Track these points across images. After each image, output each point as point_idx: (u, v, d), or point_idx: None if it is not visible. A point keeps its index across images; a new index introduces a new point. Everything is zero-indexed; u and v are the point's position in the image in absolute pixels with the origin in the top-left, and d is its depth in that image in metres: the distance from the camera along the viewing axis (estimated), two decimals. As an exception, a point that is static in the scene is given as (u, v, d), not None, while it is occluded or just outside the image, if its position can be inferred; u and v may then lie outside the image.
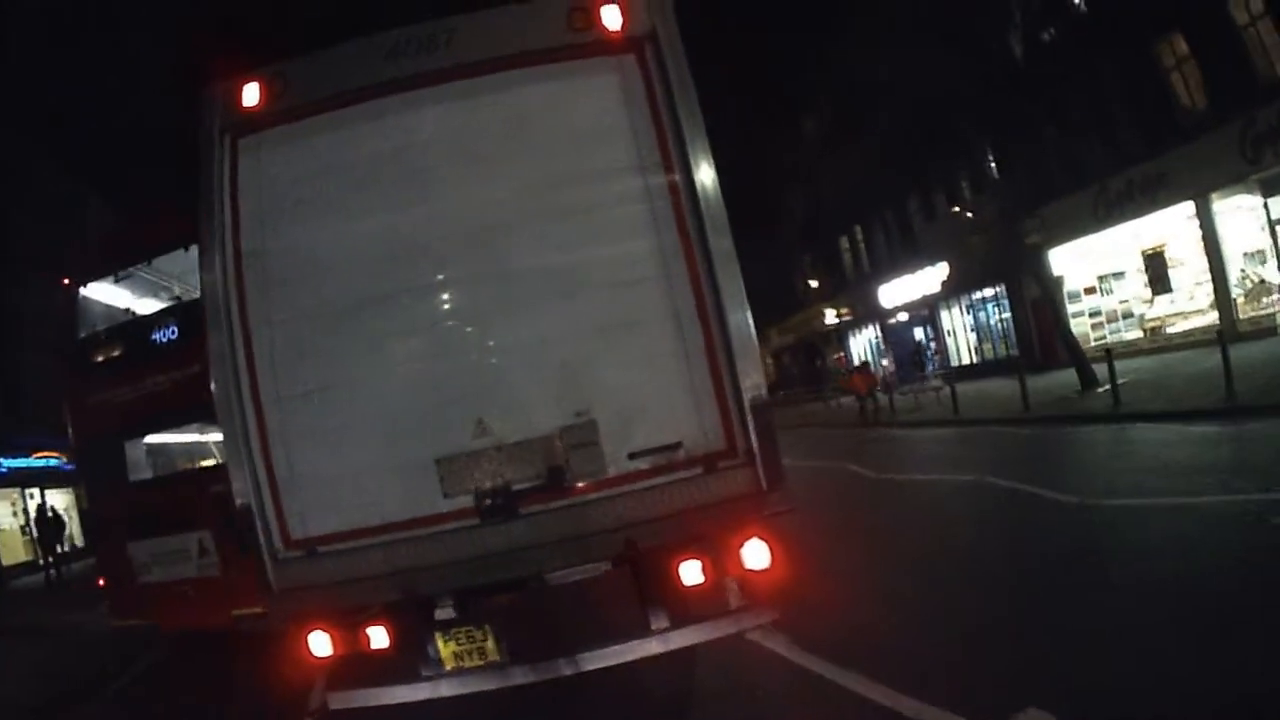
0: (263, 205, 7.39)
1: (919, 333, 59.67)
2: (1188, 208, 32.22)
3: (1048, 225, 33.26)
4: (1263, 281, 30.75)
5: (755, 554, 6.90)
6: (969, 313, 52.11)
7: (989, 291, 48.63)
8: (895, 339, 62.77)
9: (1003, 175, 38.78)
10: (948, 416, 31.72)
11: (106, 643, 16.59)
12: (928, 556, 12.07)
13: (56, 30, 47.25)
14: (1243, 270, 31.30)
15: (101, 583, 14.39)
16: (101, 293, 15.07)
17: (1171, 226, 33.96)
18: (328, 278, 7.24)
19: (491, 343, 7.18)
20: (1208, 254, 31.95)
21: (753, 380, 6.89)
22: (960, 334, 52.69)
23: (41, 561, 39.20)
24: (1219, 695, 6.30)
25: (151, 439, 14.61)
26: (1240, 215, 30.98)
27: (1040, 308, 41.23)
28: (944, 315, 54.63)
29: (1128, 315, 38.60)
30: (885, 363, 60.57)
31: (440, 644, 7.02)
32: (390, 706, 7.19)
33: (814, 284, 75.44)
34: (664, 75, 7.17)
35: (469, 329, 7.23)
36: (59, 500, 47.02)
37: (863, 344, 69.50)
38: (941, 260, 50.80)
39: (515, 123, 7.26)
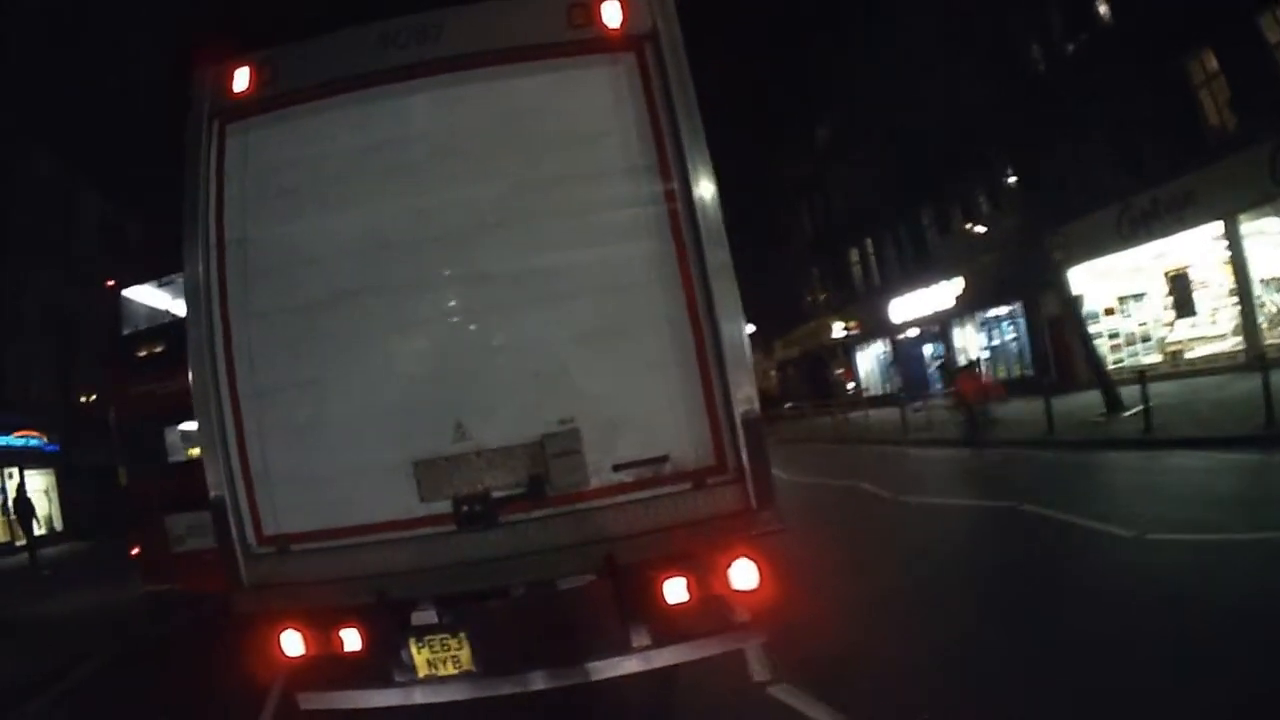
0: (247, 193, 7.29)
1: (929, 349, 58.93)
2: (1214, 228, 31.45)
3: (1068, 243, 32.28)
4: None
5: (743, 574, 6.75)
6: (983, 330, 51.41)
7: (1004, 309, 48.04)
8: (904, 355, 62.09)
9: (1022, 190, 37.74)
10: (965, 437, 30.46)
11: (67, 634, 17.41)
12: (959, 594, 11.23)
13: (54, 26, 47.06)
14: (1259, 297, 30.76)
15: (135, 552, 16.28)
16: (144, 295, 17.24)
17: (1197, 247, 33.27)
18: (308, 270, 7.14)
19: (474, 344, 7.09)
20: (1235, 277, 31.32)
21: (745, 393, 6.69)
22: (973, 352, 51.40)
23: (20, 543, 39.25)
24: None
25: (187, 425, 15.06)
26: (1266, 239, 30.32)
27: (1058, 327, 40.86)
28: (956, 332, 53.88)
29: (1146, 338, 37.91)
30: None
31: (414, 650, 6.89)
32: (362, 710, 7.18)
33: (822, 296, 75.04)
34: (664, 76, 7.01)
35: (451, 329, 7.15)
36: (38, 481, 47.47)
37: (871, 359, 69.05)
38: (956, 275, 50.23)
39: (507, 119, 7.14)
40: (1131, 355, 37.59)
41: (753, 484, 6.63)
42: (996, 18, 33.43)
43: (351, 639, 7.04)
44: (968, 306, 50.93)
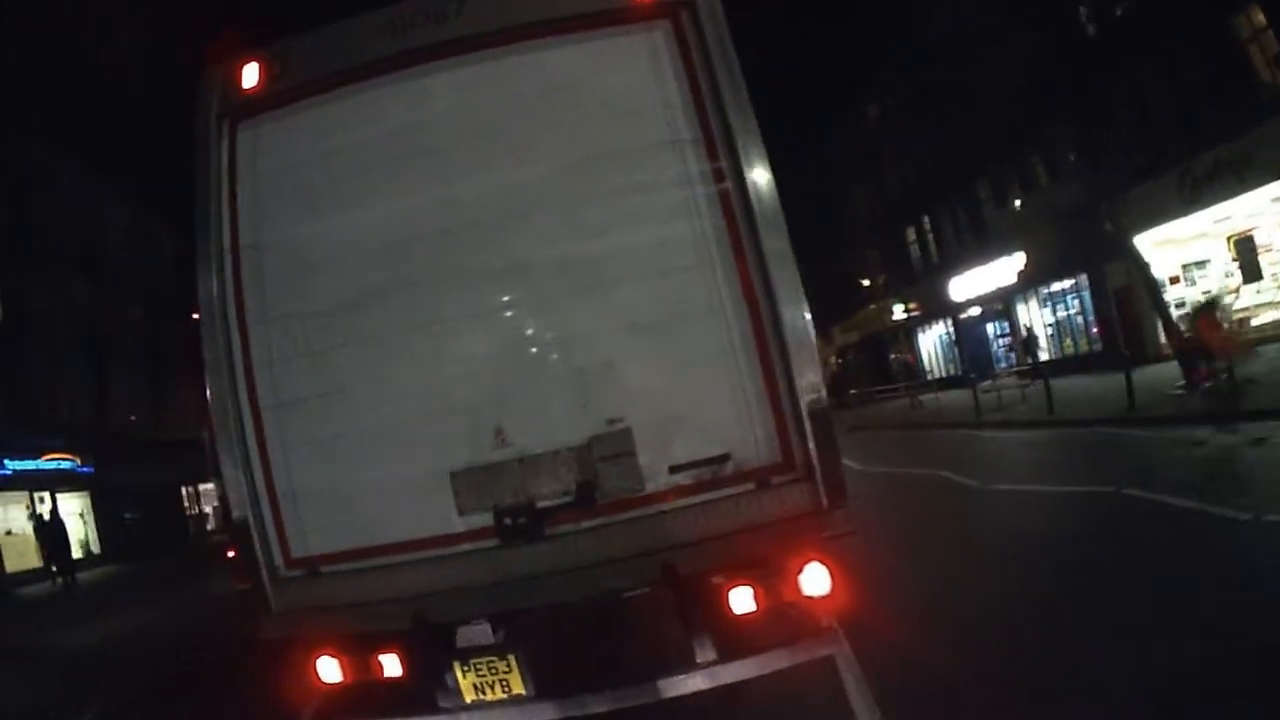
0: (261, 194, 6.96)
1: (991, 328, 58.59)
2: (1275, 189, 31.00)
3: (1129, 211, 31.84)
4: None
5: (814, 579, 6.27)
6: (1046, 305, 50.59)
7: (1068, 283, 47.24)
8: (967, 334, 61.59)
9: (1081, 159, 37.23)
10: (1040, 417, 30.02)
11: (77, 669, 17.18)
12: (1078, 598, 10.12)
13: (70, 29, 47.31)
14: None
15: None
16: None
17: (1260, 209, 32.80)
18: (329, 272, 6.75)
19: (512, 341, 6.60)
20: None
21: (811, 382, 6.22)
22: (1037, 328, 51.20)
23: (52, 568, 39.01)
24: None
25: None
26: None
27: (1125, 299, 40.33)
28: (1019, 308, 53.12)
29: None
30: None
31: (459, 674, 6.44)
32: None
33: (880, 278, 74.75)
34: (703, 44, 6.58)
35: (486, 326, 6.63)
36: (73, 504, 47.24)
37: (932, 340, 68.74)
38: (1016, 250, 49.65)
39: (535, 97, 6.69)
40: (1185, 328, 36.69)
41: (823, 481, 6.17)
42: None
43: (391, 664, 6.68)
44: (1030, 281, 50.16)
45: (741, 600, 6.32)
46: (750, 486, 6.27)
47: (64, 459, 46.62)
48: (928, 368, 67.93)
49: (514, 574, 6.29)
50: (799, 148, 66.49)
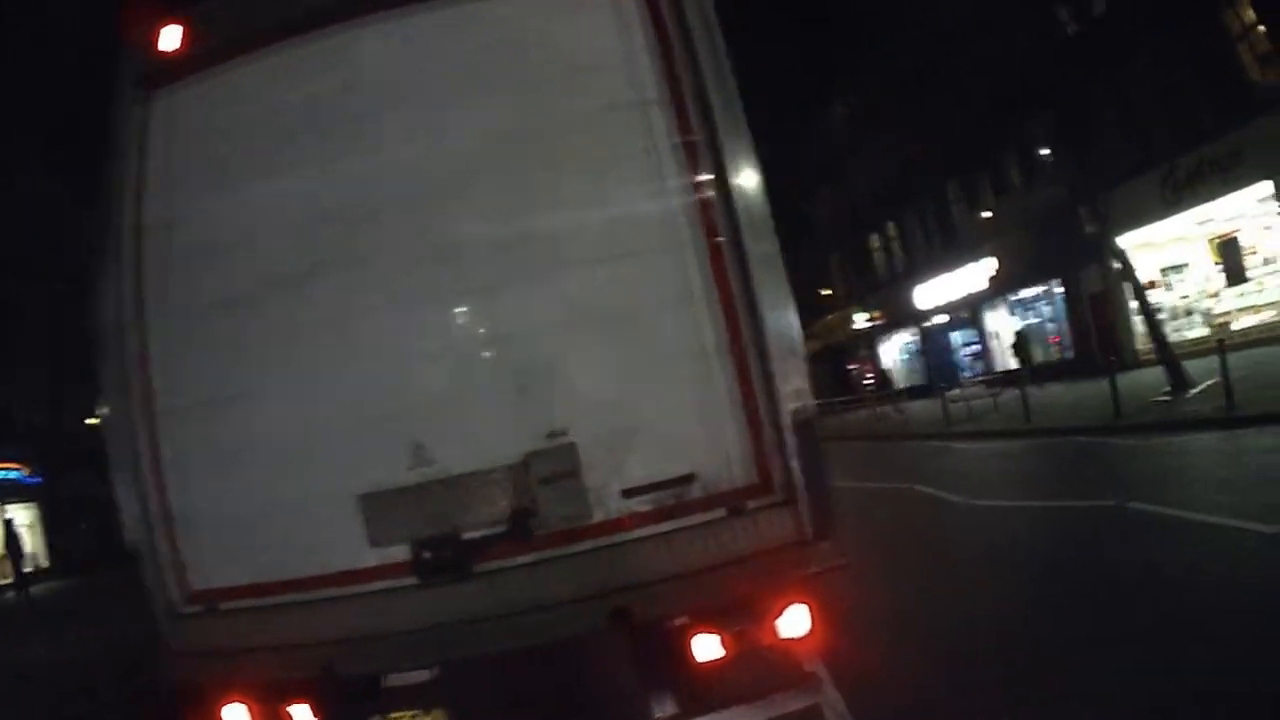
0: (172, 168, 6.13)
1: (957, 336, 57.69)
2: (1262, 189, 30.39)
3: (1108, 213, 30.63)
4: None
5: (794, 621, 5.50)
6: (1017, 312, 49.77)
7: (1040, 289, 46.46)
8: (932, 343, 60.80)
9: (1058, 159, 36.35)
10: (1016, 426, 28.80)
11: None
12: (1112, 635, 8.62)
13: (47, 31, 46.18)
14: None
15: None
16: None
17: (1245, 210, 32.05)
18: (236, 256, 5.91)
19: (435, 338, 5.70)
20: None
21: (795, 387, 5.43)
22: (1006, 336, 50.30)
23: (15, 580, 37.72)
24: None
25: None
26: None
27: (1101, 304, 39.81)
28: (988, 316, 52.45)
29: (1190, 311, 36.64)
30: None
31: None
32: None
33: (842, 287, 73.90)
34: None
35: (408, 318, 5.69)
36: (21, 516, 46.13)
37: (896, 350, 68.01)
38: (986, 255, 48.78)
39: (476, 53, 5.91)
40: (1175, 331, 35.83)
41: (808, 506, 5.37)
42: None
43: (302, 716, 5.75)
44: (1000, 288, 49.45)
45: (707, 647, 5.52)
46: (720, 513, 5.47)
47: (11, 468, 46.01)
48: (892, 378, 67.01)
49: (438, 619, 5.46)
50: (759, 154, 65.72)
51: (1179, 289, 36.94)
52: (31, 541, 46.92)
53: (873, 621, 9.71)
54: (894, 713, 7.25)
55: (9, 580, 37.34)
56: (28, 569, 39.65)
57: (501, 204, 5.65)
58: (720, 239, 5.53)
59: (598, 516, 5.45)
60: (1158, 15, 31.42)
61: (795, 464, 5.38)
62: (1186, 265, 36.61)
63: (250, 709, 5.81)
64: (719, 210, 5.55)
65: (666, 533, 5.41)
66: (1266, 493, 12.89)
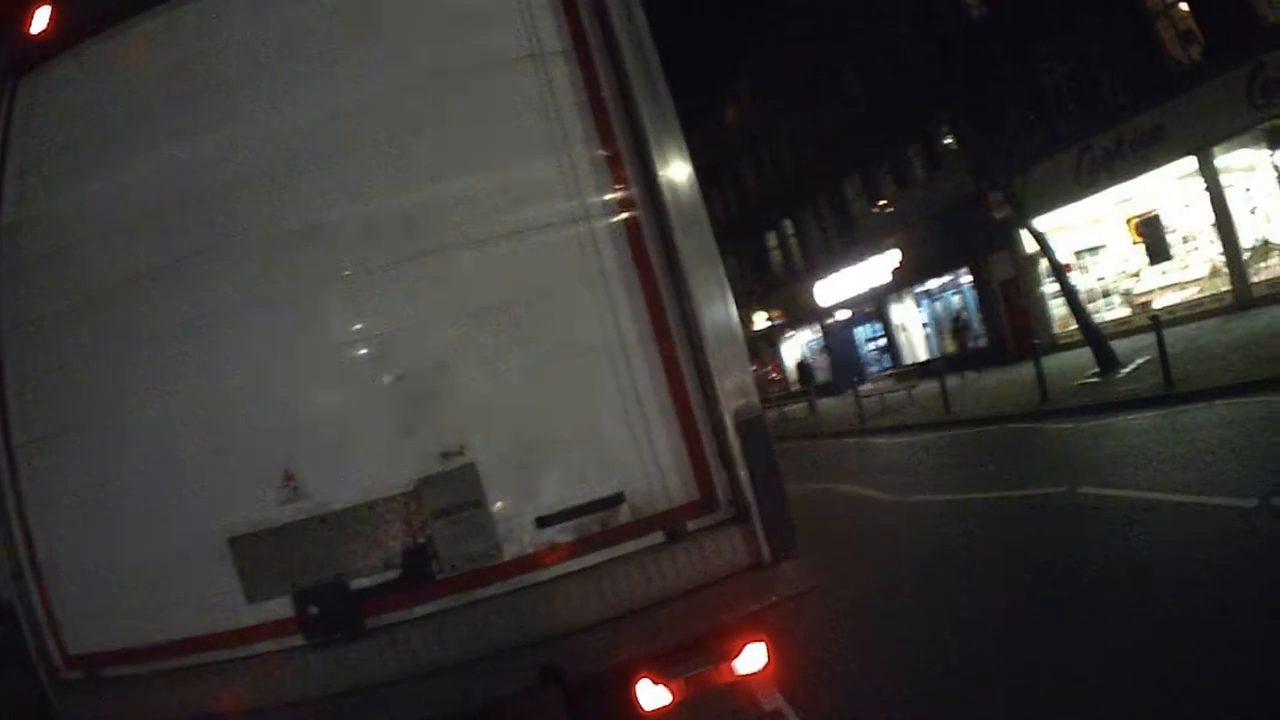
0: (28, 159, 5.42)
1: (862, 331, 57.15)
2: (1185, 165, 29.94)
3: (1021, 197, 30.07)
4: (1266, 242, 28.60)
5: (749, 659, 4.85)
6: (924, 304, 49.40)
7: (947, 278, 45.87)
8: (834, 340, 60.43)
9: (964, 146, 35.36)
10: (937, 418, 27.87)
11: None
12: (1113, 646, 7.52)
13: None
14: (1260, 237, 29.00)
15: None
16: None
17: (1166, 188, 31.68)
18: (87, 253, 5.21)
19: (305, 342, 4.93)
20: (1215, 213, 29.54)
21: (737, 384, 4.89)
22: (914, 328, 50.32)
23: None
24: None
25: None
26: (1246, 170, 29.05)
27: (1013, 290, 39.54)
28: (894, 309, 51.88)
29: (1107, 293, 36.10)
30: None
31: None
32: None
33: (740, 287, 73.62)
34: None
35: (269, 319, 4.94)
36: None
37: (798, 348, 67.37)
38: (890, 248, 48.14)
39: (351, 6, 5.23)
40: (1095, 312, 34.81)
41: (763, 522, 4.80)
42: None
43: None
44: (905, 280, 48.93)
45: (654, 695, 4.77)
46: (657, 538, 4.87)
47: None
48: (791, 377, 66.51)
49: (328, 688, 4.72)
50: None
51: (1096, 270, 36.61)
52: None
53: (834, 650, 8.71)
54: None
55: None
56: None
57: (377, 176, 4.95)
58: (636, 211, 4.94)
59: (510, 552, 4.76)
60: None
61: (743, 473, 4.81)
62: (1104, 246, 36.28)
63: None
64: (633, 172, 4.99)
65: (594, 567, 4.76)
66: (1230, 467, 12.25)
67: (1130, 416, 18.84)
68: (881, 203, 47.02)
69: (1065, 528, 11.56)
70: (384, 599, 4.74)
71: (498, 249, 4.90)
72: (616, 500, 4.82)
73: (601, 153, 5.03)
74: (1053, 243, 31.08)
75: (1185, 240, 32.27)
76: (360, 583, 4.75)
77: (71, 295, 5.16)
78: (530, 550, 4.78)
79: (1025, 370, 27.51)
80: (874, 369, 52.34)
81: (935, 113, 36.03)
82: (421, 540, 4.74)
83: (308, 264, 4.91)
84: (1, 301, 5.33)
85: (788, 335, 68.05)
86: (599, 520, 4.81)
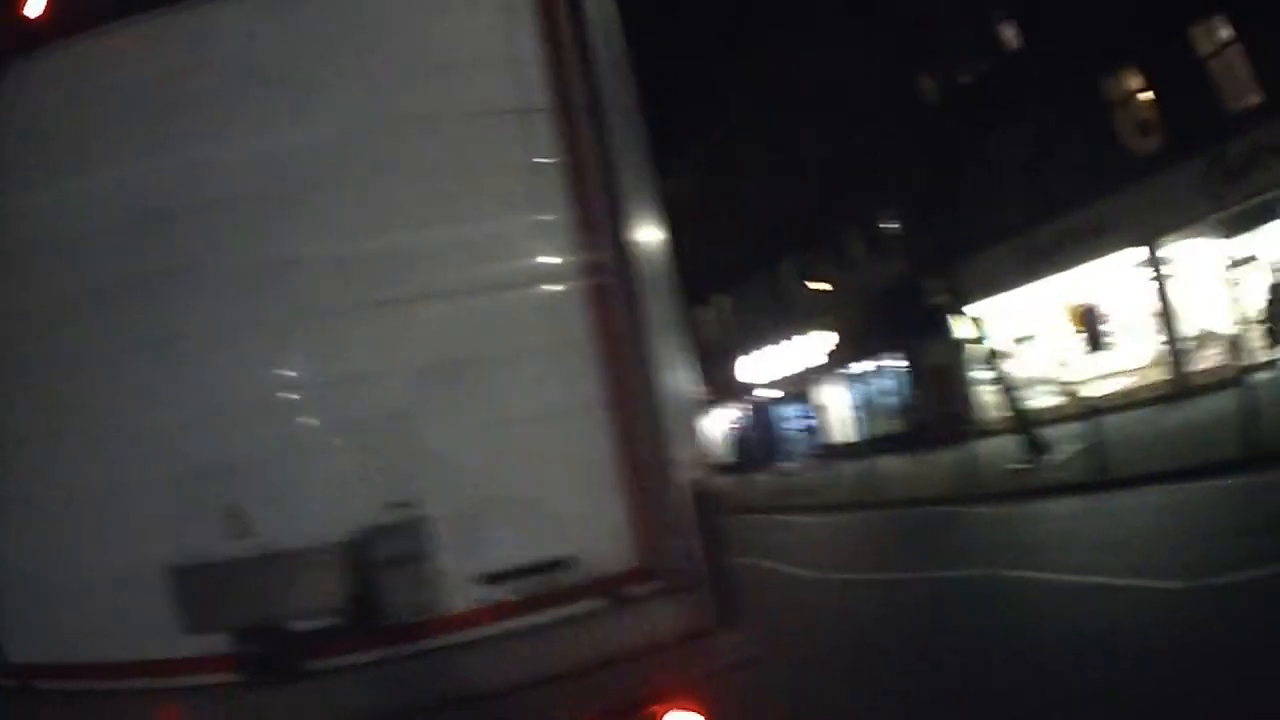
0: (7, 154, 4.99)
1: (789, 410, 57.44)
2: (1132, 255, 30.22)
3: (960, 284, 30.68)
4: (1209, 332, 28.75)
5: None
6: (854, 386, 49.54)
7: (880, 362, 45.98)
8: (759, 419, 61.06)
9: (905, 231, 35.93)
10: (864, 497, 28.14)
11: None
12: None
13: None
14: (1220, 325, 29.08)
15: None
16: None
17: (1110, 277, 31.79)
18: (50, 260, 4.87)
19: (264, 377, 4.69)
20: (1161, 302, 29.79)
21: (692, 453, 4.78)
22: (841, 410, 50.52)
23: None
24: None
25: None
26: (1194, 262, 29.15)
27: (944, 376, 39.49)
28: (823, 390, 51.97)
29: (1044, 380, 35.68)
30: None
31: None
32: None
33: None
34: None
35: (229, 351, 4.65)
36: None
37: (721, 426, 67.12)
38: (822, 329, 48.04)
39: (338, 35, 5.01)
40: (1029, 400, 34.22)
41: (709, 591, 4.70)
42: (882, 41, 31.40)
43: None
44: (837, 361, 48.77)
45: None
46: (602, 602, 4.73)
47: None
48: (719, 451, 66.41)
49: None
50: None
51: (1032, 357, 36.58)
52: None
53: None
54: None
55: None
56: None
57: (346, 215, 4.90)
58: (607, 276, 4.92)
59: (453, 607, 4.65)
60: (1031, 85, 31.04)
61: (694, 543, 4.73)
62: (1040, 333, 36.43)
63: None
64: (607, 242, 4.97)
65: (537, 627, 4.67)
66: (1160, 549, 12.62)
67: (1059, 501, 19.19)
68: (823, 287, 46.94)
69: (982, 609, 11.76)
70: (324, 643, 4.60)
71: (466, 302, 4.84)
72: (565, 563, 4.73)
73: (577, 214, 4.96)
74: (990, 329, 31.38)
75: (1126, 329, 32.35)
76: (301, 625, 4.63)
77: (25, 301, 4.93)
78: (474, 606, 4.68)
79: (955, 455, 28.11)
80: (801, 448, 52.73)
81: (878, 197, 36.03)
82: (367, 588, 4.62)
83: (273, 298, 4.79)
84: None
85: (715, 409, 67.09)
86: (546, 581, 4.73)
